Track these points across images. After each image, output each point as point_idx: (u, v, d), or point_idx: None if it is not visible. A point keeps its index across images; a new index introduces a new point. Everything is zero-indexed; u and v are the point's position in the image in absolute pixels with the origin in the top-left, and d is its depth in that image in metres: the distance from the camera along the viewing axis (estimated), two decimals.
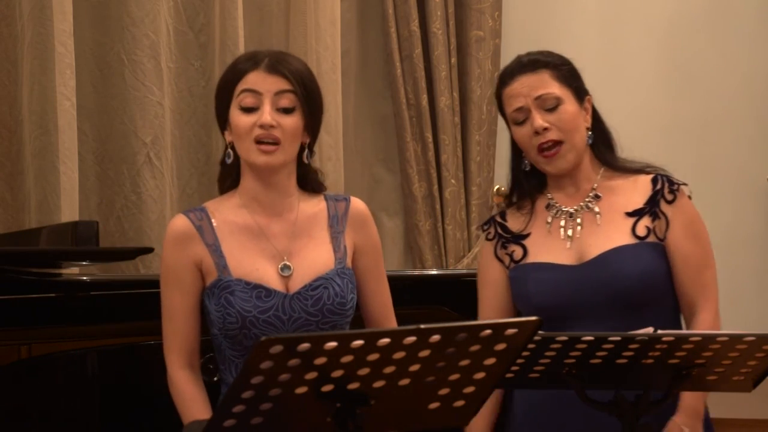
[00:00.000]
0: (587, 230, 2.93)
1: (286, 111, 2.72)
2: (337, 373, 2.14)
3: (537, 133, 2.91)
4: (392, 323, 2.88)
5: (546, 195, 3.00)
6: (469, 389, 2.29)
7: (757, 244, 4.75)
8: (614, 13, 5.35)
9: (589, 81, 5.44)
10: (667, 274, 2.91)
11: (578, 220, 2.95)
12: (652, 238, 2.90)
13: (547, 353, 2.47)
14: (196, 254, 2.73)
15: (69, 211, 4.00)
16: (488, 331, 2.21)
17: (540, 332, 2.35)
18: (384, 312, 2.88)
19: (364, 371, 2.16)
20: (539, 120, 2.91)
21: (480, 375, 2.27)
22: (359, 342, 2.11)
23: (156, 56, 4.25)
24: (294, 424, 2.22)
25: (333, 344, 2.10)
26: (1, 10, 4.00)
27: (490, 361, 2.25)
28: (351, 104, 4.99)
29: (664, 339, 2.43)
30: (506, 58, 5.17)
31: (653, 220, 2.91)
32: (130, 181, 4.26)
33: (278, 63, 2.73)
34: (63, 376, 3.01)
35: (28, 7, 3.98)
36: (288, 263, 2.74)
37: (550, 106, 2.92)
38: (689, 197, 2.95)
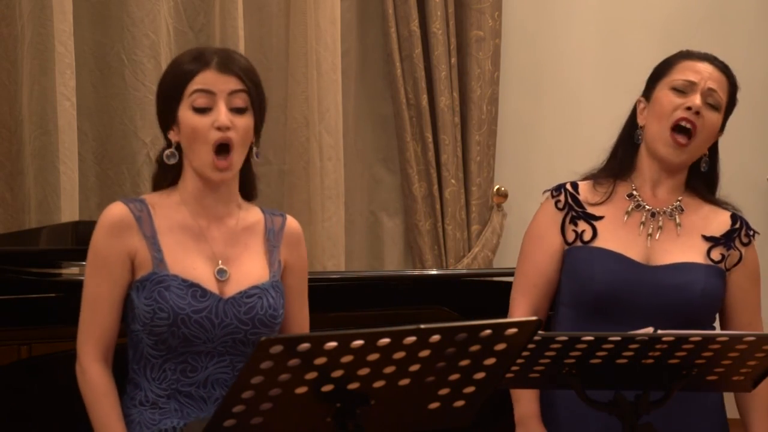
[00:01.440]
0: (666, 236, 2.94)
1: (240, 111, 2.67)
2: (337, 373, 2.14)
3: (689, 108, 2.90)
4: None
5: (630, 184, 2.98)
6: (469, 389, 2.29)
7: (757, 245, 4.75)
8: (614, 13, 5.35)
9: (588, 81, 5.45)
10: (721, 301, 2.95)
11: (659, 223, 2.94)
12: (722, 266, 2.94)
13: (547, 353, 2.47)
14: (132, 245, 2.66)
15: (69, 211, 4.00)
16: (488, 331, 2.21)
17: (540, 332, 2.35)
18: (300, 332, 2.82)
19: (364, 371, 2.15)
20: (700, 101, 2.91)
21: (480, 375, 2.27)
22: (359, 342, 2.11)
23: (156, 56, 4.25)
24: (294, 424, 2.22)
25: (333, 344, 2.09)
26: (1, 10, 4.00)
27: (490, 361, 2.25)
28: (351, 104, 4.99)
29: (664, 339, 2.44)
30: (506, 58, 5.22)
31: (728, 251, 2.95)
32: (130, 181, 4.26)
33: (229, 62, 2.67)
34: (63, 376, 3.01)
35: (28, 7, 3.98)
36: (224, 268, 2.69)
37: (713, 103, 2.94)
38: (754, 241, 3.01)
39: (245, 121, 2.68)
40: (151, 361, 2.67)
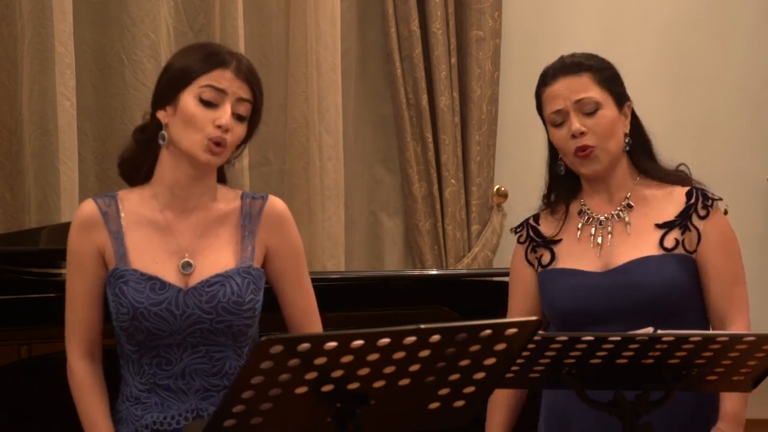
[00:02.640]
0: (617, 239, 2.94)
1: (240, 119, 2.69)
2: (337, 373, 2.14)
3: (574, 136, 2.90)
4: (315, 328, 2.82)
5: (579, 201, 3.00)
6: (469, 389, 2.29)
7: (757, 244, 4.75)
8: (614, 13, 5.35)
9: None
10: (693, 286, 2.91)
11: (609, 229, 2.95)
12: (679, 250, 2.91)
13: (547, 353, 2.47)
14: (100, 241, 2.68)
15: (69, 211, 4.00)
16: (488, 331, 2.21)
17: (540, 332, 2.35)
18: (305, 318, 2.81)
19: (364, 371, 2.15)
20: (576, 123, 2.91)
21: (480, 375, 2.27)
22: (359, 342, 2.11)
23: (156, 56, 4.25)
24: (294, 424, 2.22)
25: (333, 344, 2.09)
26: (1, 10, 4.01)
27: (490, 361, 2.25)
28: (351, 104, 4.99)
29: (664, 339, 2.44)
30: (506, 58, 5.21)
31: (683, 233, 2.92)
32: None
33: (246, 69, 2.70)
34: (63, 376, 3.00)
35: (28, 7, 3.98)
36: (190, 260, 2.69)
37: (589, 110, 2.92)
38: (725, 211, 2.96)
39: (241, 130, 2.71)
40: (130, 356, 2.69)
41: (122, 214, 2.70)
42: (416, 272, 4.77)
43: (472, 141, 5.06)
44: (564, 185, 3.02)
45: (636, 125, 3.00)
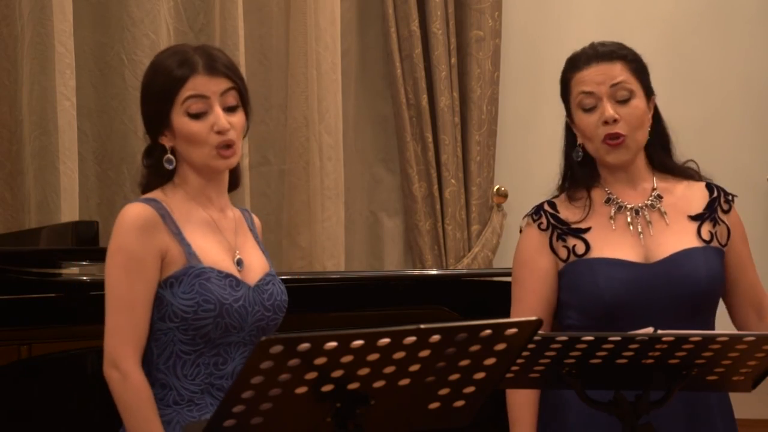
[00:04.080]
0: (656, 229, 2.92)
1: (233, 109, 2.68)
2: (337, 373, 2.14)
3: (606, 123, 2.88)
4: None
5: (604, 189, 2.97)
6: (469, 389, 2.29)
7: (757, 244, 4.75)
8: (614, 14, 5.35)
9: None
10: (723, 280, 2.94)
11: (647, 218, 2.94)
12: (715, 243, 2.93)
13: (547, 353, 2.46)
14: (163, 242, 2.64)
15: (69, 211, 4.00)
16: (488, 331, 2.21)
17: (540, 332, 2.35)
18: None
19: (364, 371, 2.15)
20: (610, 110, 2.88)
21: (480, 375, 2.27)
22: (359, 342, 2.11)
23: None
24: (294, 424, 2.22)
25: (333, 344, 2.10)
26: (1, 10, 4.01)
27: (490, 361, 2.25)
28: (351, 104, 4.99)
29: (664, 339, 2.43)
30: (506, 58, 5.22)
31: (714, 226, 2.94)
32: (130, 181, 4.26)
33: (214, 62, 2.68)
34: (63, 376, 3.01)
35: (28, 7, 3.98)
36: (241, 257, 2.72)
37: (623, 98, 2.90)
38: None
39: (240, 117, 2.70)
40: (182, 357, 2.65)
41: (174, 215, 2.69)
42: (416, 272, 4.77)
43: (472, 141, 5.06)
44: (581, 171, 2.98)
45: (657, 120, 2.98)
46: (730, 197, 2.98)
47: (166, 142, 2.70)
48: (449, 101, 4.97)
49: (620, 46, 2.96)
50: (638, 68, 2.95)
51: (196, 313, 2.62)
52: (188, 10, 4.43)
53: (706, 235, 2.92)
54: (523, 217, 3.01)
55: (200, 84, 2.66)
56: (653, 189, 2.96)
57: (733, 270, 2.96)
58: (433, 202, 5.01)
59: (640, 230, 2.92)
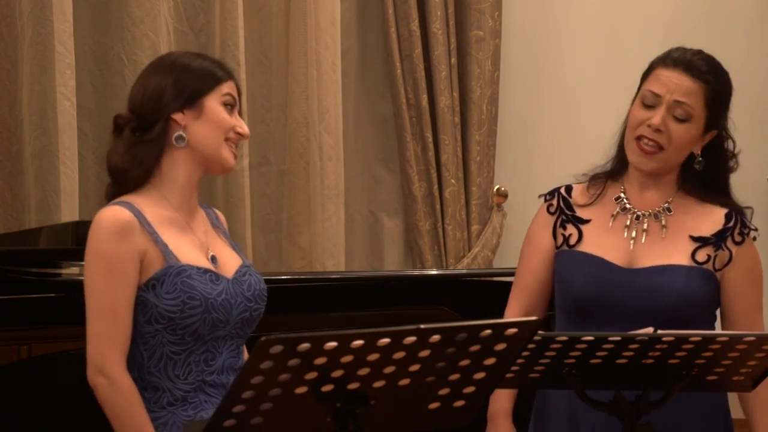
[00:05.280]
0: (650, 239, 2.92)
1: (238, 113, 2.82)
2: (337, 373, 2.14)
3: (649, 126, 2.87)
4: None
5: (619, 186, 2.97)
6: (469, 389, 2.29)
7: (757, 245, 4.74)
8: (614, 14, 5.35)
9: (589, 81, 5.44)
10: (712, 303, 2.91)
11: (644, 226, 2.93)
12: (708, 266, 2.90)
13: (547, 353, 2.47)
14: (141, 244, 2.63)
15: (69, 211, 4.00)
16: (488, 331, 2.21)
17: (540, 332, 2.35)
18: None
19: (364, 371, 2.16)
20: (659, 118, 2.86)
21: (480, 375, 2.27)
22: (359, 342, 2.11)
23: (156, 56, 4.24)
24: (294, 424, 2.22)
25: (333, 344, 2.10)
26: (1, 10, 4.01)
27: (490, 361, 2.25)
28: (351, 104, 4.99)
29: (664, 339, 2.44)
30: (506, 58, 5.21)
31: (716, 251, 2.91)
32: None
33: (233, 72, 2.84)
34: (63, 376, 3.01)
35: (28, 7, 3.98)
36: (214, 254, 2.73)
37: (680, 116, 2.87)
38: (755, 237, 2.94)
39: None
40: (173, 358, 2.64)
41: (148, 217, 2.69)
42: (416, 272, 4.77)
43: (472, 141, 5.06)
44: (618, 160, 2.97)
45: (718, 153, 2.96)
46: (746, 231, 2.93)
47: (182, 119, 2.70)
48: (449, 101, 4.97)
49: (715, 71, 2.94)
50: (715, 98, 2.92)
51: (183, 312, 2.62)
52: (188, 10, 4.42)
53: (701, 257, 2.90)
54: (539, 196, 3.03)
55: (232, 89, 2.77)
56: (667, 201, 2.95)
57: (727, 300, 2.92)
58: (433, 202, 5.01)
59: (633, 235, 2.93)
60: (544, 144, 5.29)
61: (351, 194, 4.96)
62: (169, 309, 2.62)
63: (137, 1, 4.25)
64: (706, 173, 2.96)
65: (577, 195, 2.99)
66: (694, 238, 2.91)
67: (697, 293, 2.87)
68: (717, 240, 2.91)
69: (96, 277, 2.62)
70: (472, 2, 5.05)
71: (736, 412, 2.99)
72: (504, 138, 5.18)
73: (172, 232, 2.69)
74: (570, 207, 2.98)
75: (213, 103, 2.72)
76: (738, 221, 2.94)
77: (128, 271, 2.62)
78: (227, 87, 2.74)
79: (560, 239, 2.96)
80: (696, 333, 2.47)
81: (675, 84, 2.88)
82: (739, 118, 5.42)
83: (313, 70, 4.62)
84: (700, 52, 2.96)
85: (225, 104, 2.73)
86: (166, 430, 2.63)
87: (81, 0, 4.21)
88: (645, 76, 2.96)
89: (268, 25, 4.70)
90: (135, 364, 2.65)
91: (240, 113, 2.78)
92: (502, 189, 5.13)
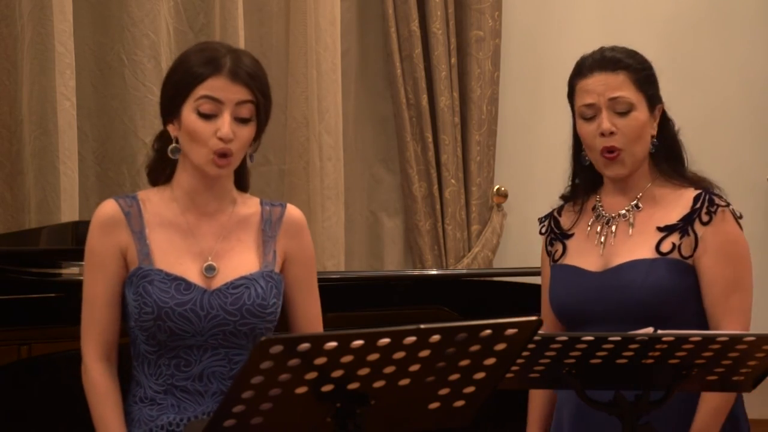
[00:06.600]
0: (618, 239, 2.92)
1: (244, 121, 2.66)
2: (337, 373, 2.14)
3: (603, 134, 2.88)
4: None
5: (596, 196, 2.99)
6: (469, 389, 2.29)
7: (757, 244, 4.75)
8: (614, 13, 5.35)
9: None
10: (687, 291, 2.87)
11: (613, 228, 2.94)
12: (674, 255, 2.87)
13: (547, 353, 2.47)
14: (122, 240, 2.66)
15: (69, 211, 4.00)
16: (488, 331, 2.21)
17: (540, 332, 2.35)
18: (310, 328, 2.80)
19: (364, 371, 2.16)
20: (607, 122, 2.87)
21: (480, 375, 2.27)
22: (359, 342, 2.11)
23: (156, 56, 4.25)
24: (294, 424, 2.22)
25: (333, 344, 2.10)
26: (1, 10, 4.01)
27: (490, 361, 2.25)
28: (351, 104, 4.99)
29: (664, 339, 2.44)
30: (506, 58, 5.22)
31: (681, 237, 2.88)
32: (130, 181, 4.26)
33: (240, 69, 2.66)
34: (63, 376, 3.01)
35: (28, 7, 3.98)
36: (213, 264, 2.68)
37: (622, 110, 2.88)
38: (740, 216, 2.91)
39: (248, 132, 2.67)
40: (147, 357, 2.67)
41: (145, 215, 2.69)
42: (416, 272, 4.77)
43: (472, 141, 5.06)
44: (585, 176, 2.99)
45: (665, 127, 2.96)
46: (714, 208, 2.88)
47: (173, 130, 2.70)
48: (449, 101, 4.97)
49: (628, 54, 2.94)
50: (643, 78, 2.92)
51: (140, 316, 2.64)
52: (188, 10, 4.42)
53: (666, 247, 2.88)
54: (538, 219, 3.08)
55: (219, 87, 2.64)
56: (637, 197, 2.95)
57: (700, 280, 2.87)
58: (433, 202, 5.01)
59: (602, 240, 2.94)
60: (544, 144, 5.29)
61: (351, 194, 4.96)
62: (132, 309, 2.66)
63: (137, 1, 4.25)
64: (665, 149, 2.95)
65: (564, 215, 3.03)
66: (660, 229, 2.90)
67: (663, 285, 2.84)
68: (683, 224, 2.89)
69: (84, 268, 2.70)
70: (472, 2, 5.05)
71: (752, 412, 2.98)
72: (504, 138, 5.18)
73: (165, 235, 2.69)
74: (558, 225, 3.01)
75: (187, 112, 2.66)
76: (705, 201, 2.90)
77: (108, 265, 2.67)
78: (204, 88, 2.64)
79: (550, 257, 3.01)
80: (696, 333, 2.47)
81: (601, 86, 2.89)
82: (739, 118, 5.44)
83: (313, 70, 4.62)
84: (602, 48, 2.96)
85: (200, 111, 2.63)
86: (132, 427, 2.66)
87: (81, 0, 4.21)
88: (570, 96, 2.98)
89: (268, 25, 4.70)
90: (132, 355, 2.71)
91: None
92: (502, 189, 5.13)
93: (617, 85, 2.89)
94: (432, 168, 4.97)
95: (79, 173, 4.10)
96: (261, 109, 2.70)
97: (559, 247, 2.98)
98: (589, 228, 2.97)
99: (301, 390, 2.15)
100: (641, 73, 2.93)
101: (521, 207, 5.01)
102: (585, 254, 2.94)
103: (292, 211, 2.82)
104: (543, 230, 3.04)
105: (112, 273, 2.67)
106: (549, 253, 3.00)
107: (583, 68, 2.94)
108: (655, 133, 2.93)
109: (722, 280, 2.87)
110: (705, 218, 2.89)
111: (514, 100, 5.23)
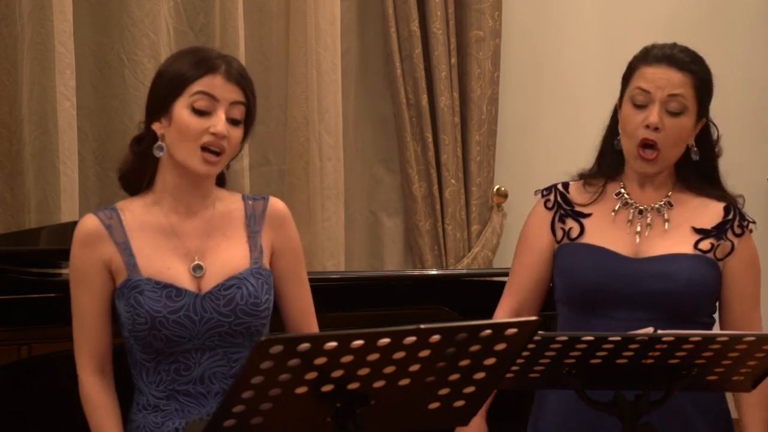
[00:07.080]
0: (654, 232, 2.93)
1: (235, 123, 2.67)
2: (337, 373, 2.15)
3: (648, 127, 2.87)
4: (314, 329, 2.82)
5: (619, 183, 2.97)
6: (469, 389, 2.29)
7: (757, 244, 4.75)
8: (614, 13, 5.35)
9: (589, 81, 5.44)
10: (714, 291, 2.92)
11: (648, 220, 2.93)
12: (711, 255, 2.91)
13: (547, 353, 2.47)
14: (106, 254, 2.67)
15: (69, 211, 4.00)
16: (488, 331, 2.21)
17: (540, 332, 2.35)
18: (304, 319, 2.81)
19: (364, 371, 2.16)
20: (656, 116, 2.86)
21: (480, 375, 2.27)
22: (359, 342, 2.11)
23: (156, 56, 4.25)
24: (294, 424, 2.22)
25: (333, 344, 2.10)
26: (1, 10, 4.01)
27: (490, 361, 2.25)
28: (351, 104, 4.99)
29: (664, 339, 2.44)
30: (506, 58, 5.21)
31: (717, 241, 2.91)
32: None
33: (235, 71, 2.68)
34: (63, 376, 3.01)
35: (28, 7, 3.98)
36: (200, 263, 2.68)
37: (675, 110, 2.87)
38: (752, 232, 2.95)
39: (238, 134, 2.69)
40: (145, 365, 2.67)
41: (126, 224, 2.69)
42: (416, 272, 4.77)
43: (472, 141, 5.06)
44: (610, 161, 2.98)
45: (703, 142, 2.95)
46: (745, 223, 2.94)
47: (159, 128, 2.69)
48: (449, 101, 4.97)
49: (696, 60, 2.94)
50: (703, 88, 2.92)
51: (134, 326, 2.65)
52: (188, 10, 4.42)
53: (705, 246, 2.91)
54: (536, 192, 3.03)
55: (215, 84, 2.65)
56: (667, 196, 2.96)
57: (726, 291, 2.92)
58: (433, 202, 5.01)
59: (638, 229, 2.93)
60: (544, 144, 5.29)
61: (351, 194, 4.96)
62: (125, 321, 2.66)
63: (137, 1, 4.25)
64: (700, 162, 2.96)
65: (575, 192, 3.01)
66: (696, 230, 2.93)
67: (703, 280, 2.88)
68: (718, 232, 2.93)
69: (71, 283, 2.71)
70: (472, 2, 5.05)
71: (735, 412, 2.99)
72: (504, 138, 5.18)
73: (149, 240, 2.69)
74: (568, 202, 2.99)
75: (180, 108, 2.66)
76: (737, 214, 2.95)
77: (92, 280, 2.68)
78: (200, 84, 2.65)
79: (560, 234, 2.97)
80: (696, 333, 2.47)
81: (664, 80, 2.88)
82: (739, 118, 5.42)
83: (313, 70, 4.62)
84: (675, 44, 2.96)
85: (193, 106, 2.64)
86: None
87: (81, 0, 4.21)
88: (627, 76, 2.95)
89: (268, 25, 4.70)
90: (129, 363, 2.71)
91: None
92: (502, 189, 5.13)
93: (680, 84, 2.89)
94: (432, 168, 4.97)
95: (79, 173, 4.10)
96: (250, 113, 2.71)
97: (574, 225, 2.95)
98: (614, 213, 2.95)
99: (301, 390, 2.15)
100: (704, 82, 2.93)
101: (521, 207, 4.98)
102: (612, 238, 2.92)
103: (275, 203, 2.81)
104: (549, 204, 2.99)
105: (98, 287, 2.68)
106: (554, 230, 2.97)
107: (651, 56, 2.92)
108: (692, 142, 2.93)
109: (748, 294, 2.94)
110: (738, 230, 2.94)
111: (514, 100, 5.23)
